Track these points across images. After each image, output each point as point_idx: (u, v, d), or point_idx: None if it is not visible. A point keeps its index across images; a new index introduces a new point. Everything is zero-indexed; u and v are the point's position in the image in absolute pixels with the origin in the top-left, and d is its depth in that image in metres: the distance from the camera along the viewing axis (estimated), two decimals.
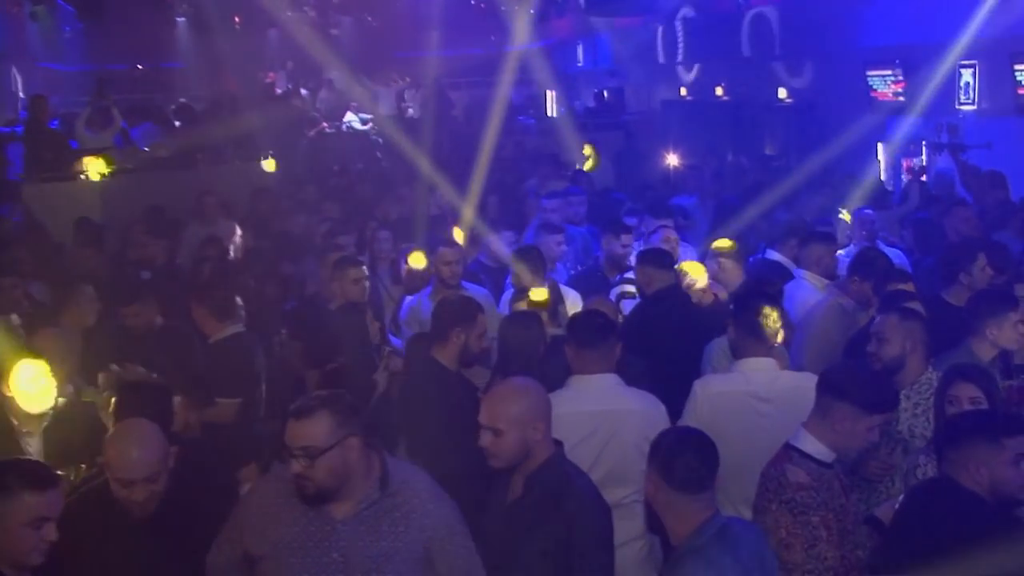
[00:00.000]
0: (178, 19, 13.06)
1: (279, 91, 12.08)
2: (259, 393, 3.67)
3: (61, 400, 2.96)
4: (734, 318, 2.93)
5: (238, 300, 3.83)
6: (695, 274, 3.86)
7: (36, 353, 2.96)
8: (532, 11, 11.57)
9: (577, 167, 7.59)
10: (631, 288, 4.11)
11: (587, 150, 7.87)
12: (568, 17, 13.08)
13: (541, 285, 3.84)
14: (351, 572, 2.00)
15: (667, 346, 3.43)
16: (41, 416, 2.88)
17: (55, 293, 4.09)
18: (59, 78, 11.67)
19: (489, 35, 13.67)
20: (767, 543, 2.13)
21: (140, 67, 13.30)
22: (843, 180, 6.17)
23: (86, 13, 10.32)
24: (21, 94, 10.46)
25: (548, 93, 12.59)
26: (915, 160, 7.06)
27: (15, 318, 3.71)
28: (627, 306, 3.99)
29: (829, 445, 2.27)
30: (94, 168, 6.55)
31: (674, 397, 2.87)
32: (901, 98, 7.40)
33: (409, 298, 4.36)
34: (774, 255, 4.45)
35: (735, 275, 4.12)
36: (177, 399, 2.78)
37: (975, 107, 6.79)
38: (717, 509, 2.07)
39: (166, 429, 2.41)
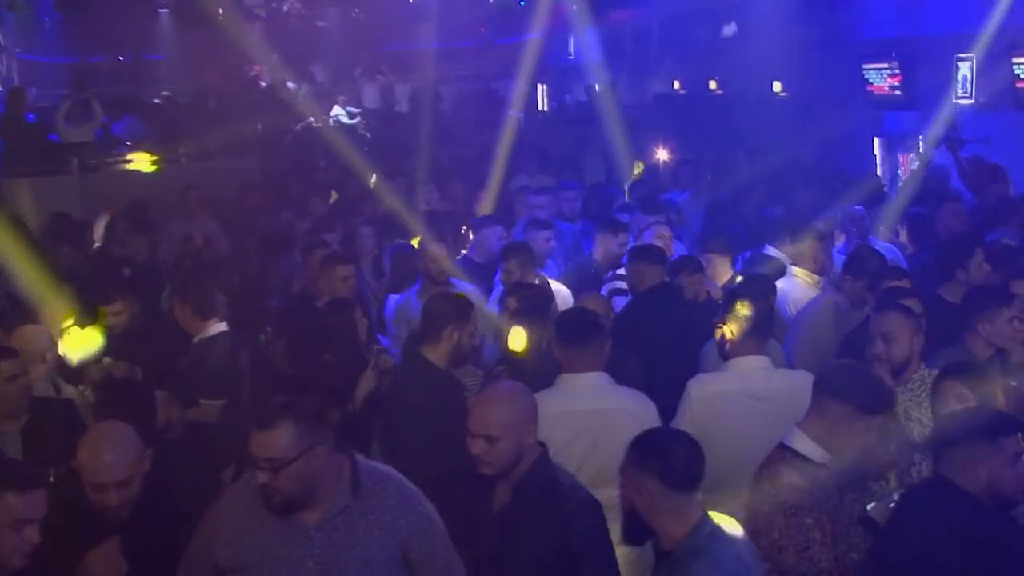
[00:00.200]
0: (160, 10, 12.87)
1: (264, 84, 11.91)
2: (243, 393, 3.60)
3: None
4: (728, 315, 2.88)
5: (221, 298, 3.76)
6: None
7: (12, 351, 2.91)
8: (522, 3, 11.48)
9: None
10: (623, 285, 4.07)
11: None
12: (559, 10, 13.00)
13: (531, 281, 3.79)
14: None
15: (659, 343, 3.40)
16: (19, 415, 2.82)
17: (32, 290, 4.00)
18: (37, 70, 11.45)
19: (478, 28, 13.57)
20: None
21: (121, 59, 13.08)
22: (838, 175, 6.14)
23: (65, 3, 10.12)
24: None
25: (539, 87, 12.52)
26: (912, 155, 7.04)
27: None
28: (618, 303, 3.95)
29: (823, 445, 2.24)
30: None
31: (666, 395, 2.84)
32: (897, 92, 7.37)
33: (395, 296, 4.30)
34: (771, 251, 4.43)
35: (724, 273, 4.09)
36: (160, 394, 2.73)
37: (972, 101, 6.77)
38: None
39: (149, 426, 2.36)
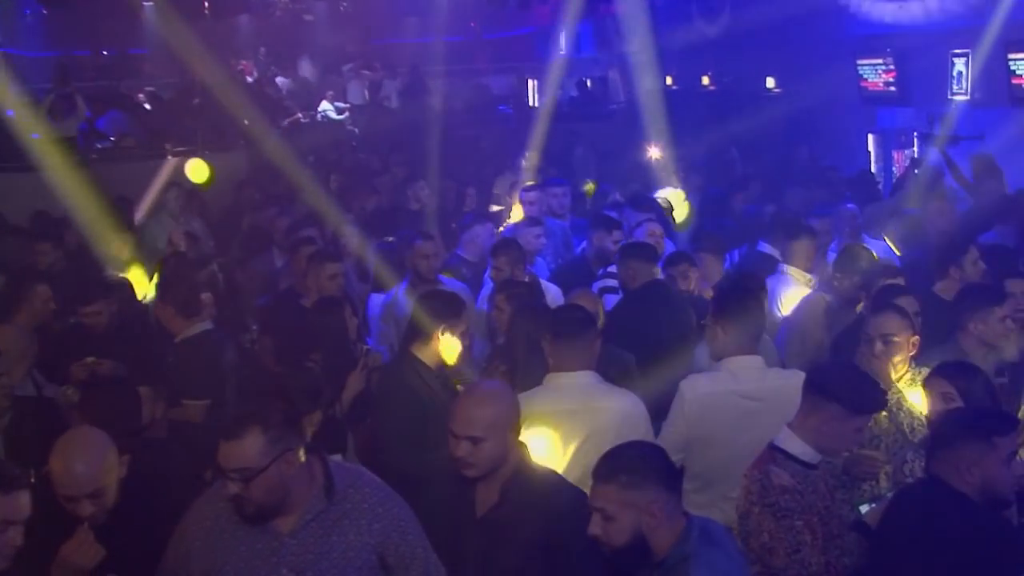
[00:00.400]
0: (145, 3, 12.67)
1: (251, 79, 11.80)
2: (228, 393, 3.54)
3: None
4: (719, 314, 2.85)
5: (205, 296, 3.70)
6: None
7: None
8: None
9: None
10: (613, 283, 4.03)
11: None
12: (550, 3, 12.92)
13: (521, 278, 3.75)
14: None
15: (651, 341, 3.37)
16: (2, 414, 2.79)
17: (9, 288, 3.93)
18: (19, 64, 11.27)
19: (469, 22, 13.49)
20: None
21: (105, 53, 12.89)
22: (831, 172, 6.11)
23: None
24: None
25: (530, 82, 12.45)
26: (907, 151, 7.02)
27: None
28: (609, 301, 3.92)
29: (814, 446, 2.22)
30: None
31: (658, 393, 2.81)
32: (892, 88, 7.34)
33: (379, 295, 4.24)
34: (765, 248, 4.41)
35: (716, 271, 4.06)
36: (144, 390, 2.70)
37: (968, 97, 6.73)
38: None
39: (133, 426, 2.30)
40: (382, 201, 6.32)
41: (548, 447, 2.55)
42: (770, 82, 8.98)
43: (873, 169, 7.18)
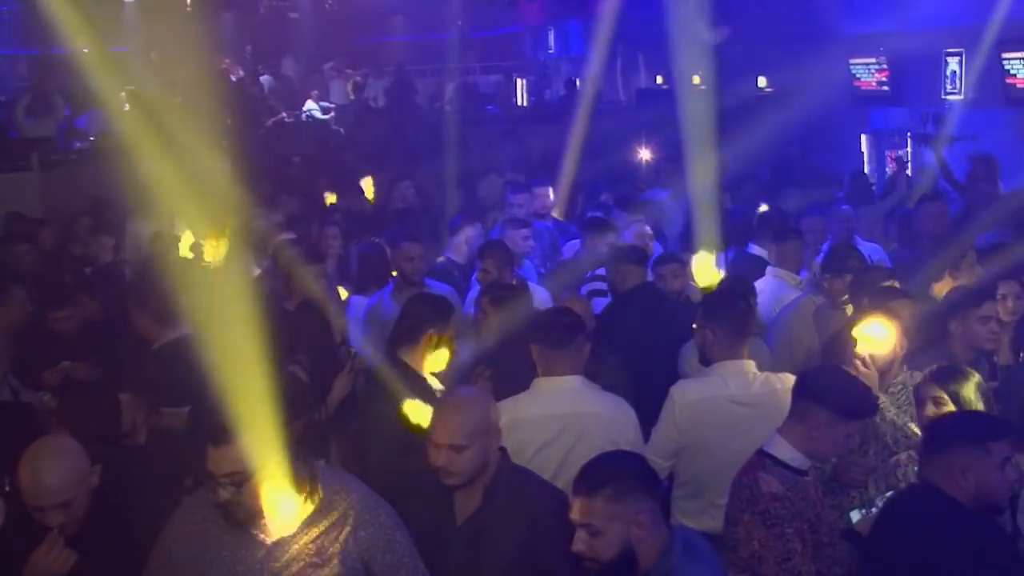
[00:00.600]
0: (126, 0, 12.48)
1: (234, 78, 11.64)
2: (209, 399, 3.46)
3: None
4: (708, 317, 2.81)
5: (186, 302, 3.61)
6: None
7: None
8: None
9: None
10: (602, 286, 3.99)
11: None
12: (538, 2, 12.87)
13: (509, 281, 3.70)
14: None
15: (641, 344, 3.35)
16: None
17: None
18: None
19: (455, 20, 13.39)
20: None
21: (85, 51, 12.65)
22: (823, 173, 6.08)
23: None
24: None
25: (517, 81, 12.39)
26: (900, 152, 7.00)
27: None
28: (598, 304, 3.88)
29: (804, 451, 2.19)
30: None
31: (648, 396, 2.78)
32: (885, 88, 7.32)
33: (363, 298, 4.17)
34: (755, 249, 4.38)
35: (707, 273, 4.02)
36: (125, 397, 2.63)
37: (961, 97, 6.71)
38: None
39: (112, 432, 2.25)
40: (367, 203, 6.24)
41: (536, 452, 2.51)
42: (762, 81, 8.95)
43: (866, 169, 7.16)
